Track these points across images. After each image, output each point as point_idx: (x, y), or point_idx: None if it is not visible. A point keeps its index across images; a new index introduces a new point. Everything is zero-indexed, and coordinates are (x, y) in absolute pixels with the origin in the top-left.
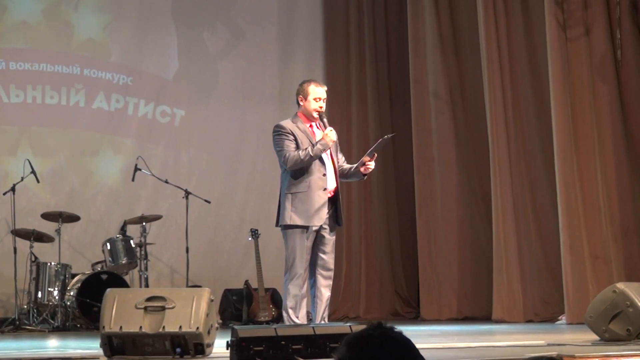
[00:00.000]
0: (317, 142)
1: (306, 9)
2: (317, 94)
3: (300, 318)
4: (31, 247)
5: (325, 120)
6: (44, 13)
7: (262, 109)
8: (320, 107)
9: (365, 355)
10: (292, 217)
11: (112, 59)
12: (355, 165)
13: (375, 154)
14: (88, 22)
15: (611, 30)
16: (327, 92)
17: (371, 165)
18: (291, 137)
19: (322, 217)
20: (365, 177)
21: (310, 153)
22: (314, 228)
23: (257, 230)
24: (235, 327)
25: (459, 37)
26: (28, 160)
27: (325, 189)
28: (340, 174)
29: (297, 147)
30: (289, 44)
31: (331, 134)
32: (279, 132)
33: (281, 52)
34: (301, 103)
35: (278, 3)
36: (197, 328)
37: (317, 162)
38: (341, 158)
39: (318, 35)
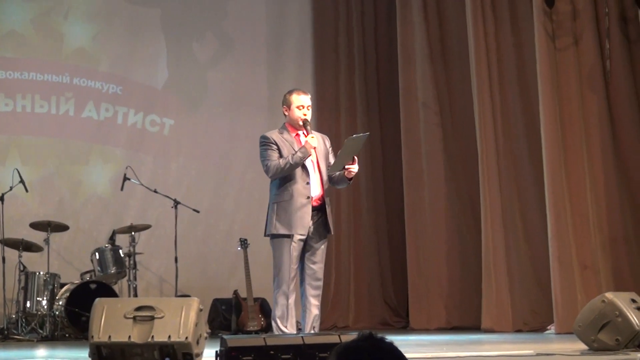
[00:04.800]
0: (297, 150)
1: (295, 19)
2: (299, 102)
3: (289, 327)
4: (20, 256)
5: (308, 127)
6: (33, 22)
7: (252, 118)
8: (305, 115)
9: None
10: (276, 226)
11: (102, 68)
12: (330, 169)
13: (356, 157)
14: (78, 32)
15: (600, 40)
16: (311, 99)
17: (354, 168)
18: (274, 147)
19: (305, 226)
20: (351, 180)
21: (291, 161)
22: (298, 237)
23: (246, 239)
24: (224, 336)
25: (448, 47)
26: (17, 169)
27: (308, 197)
28: (331, 181)
29: (281, 157)
30: (279, 53)
31: (312, 141)
32: (262, 143)
33: (270, 62)
34: (286, 113)
35: (267, 13)
36: (186, 338)
37: (300, 170)
38: None
39: (307, 45)
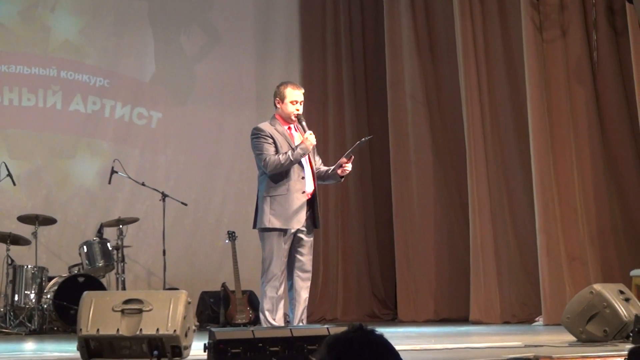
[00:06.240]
0: (297, 147)
1: (283, 11)
2: (294, 97)
3: (277, 320)
4: (8, 250)
5: (304, 123)
6: (21, 15)
7: (239, 111)
8: (297, 110)
9: (345, 358)
10: (270, 220)
11: (89, 61)
12: (332, 167)
13: (352, 156)
14: (65, 25)
15: (587, 32)
16: (304, 94)
17: (348, 167)
18: (270, 140)
19: (300, 220)
20: (343, 179)
21: (291, 157)
22: (292, 231)
23: (234, 232)
24: (213, 329)
25: (435, 40)
26: (4, 162)
27: (303, 192)
28: (318, 177)
29: (276, 150)
30: (266, 46)
31: (311, 138)
32: (257, 135)
33: (258, 54)
34: (278, 106)
35: (255, 5)
36: (175, 331)
37: (296, 165)
38: (318, 160)
39: (295, 37)
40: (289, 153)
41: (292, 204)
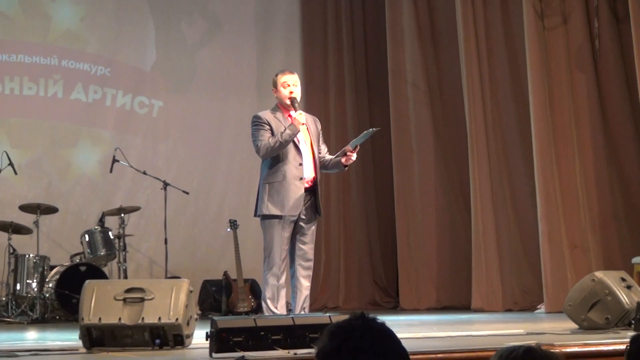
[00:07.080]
0: (286, 127)
1: None
2: (284, 80)
3: (280, 308)
4: (9, 239)
5: (296, 105)
6: (22, 4)
7: (240, 99)
8: (291, 93)
9: (346, 346)
10: (268, 207)
11: (90, 50)
12: (336, 154)
13: (358, 146)
14: (65, 13)
15: (589, 19)
16: (298, 78)
17: (353, 156)
18: (266, 127)
19: (298, 207)
20: (347, 168)
21: (280, 139)
22: (291, 218)
23: (235, 221)
24: (215, 318)
25: (437, 27)
26: (6, 152)
27: (301, 179)
28: (322, 165)
29: (273, 136)
30: (267, 34)
31: (300, 118)
32: (255, 122)
33: (259, 43)
34: (275, 95)
35: None
36: (177, 319)
37: (293, 151)
38: (324, 149)
39: (296, 26)
40: (278, 135)
41: (288, 190)
